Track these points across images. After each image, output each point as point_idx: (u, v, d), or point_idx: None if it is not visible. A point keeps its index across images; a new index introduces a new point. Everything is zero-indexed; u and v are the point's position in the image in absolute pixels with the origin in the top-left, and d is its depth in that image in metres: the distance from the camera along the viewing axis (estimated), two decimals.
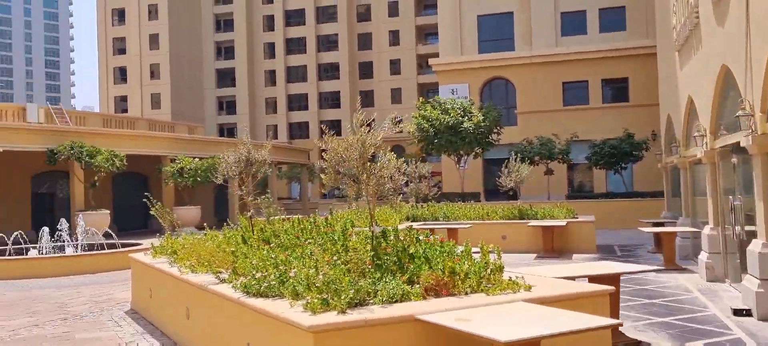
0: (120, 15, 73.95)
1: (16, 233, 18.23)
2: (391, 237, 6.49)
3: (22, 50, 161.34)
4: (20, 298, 12.53)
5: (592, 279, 7.45)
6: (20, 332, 9.28)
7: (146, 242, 19.67)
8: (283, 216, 10.82)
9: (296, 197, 58.79)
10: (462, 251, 6.14)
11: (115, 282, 14.33)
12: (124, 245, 18.56)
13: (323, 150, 7.51)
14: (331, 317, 4.86)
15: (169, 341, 8.31)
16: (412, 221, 18.10)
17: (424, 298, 5.52)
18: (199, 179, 31.18)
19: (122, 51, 73.71)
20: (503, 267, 6.15)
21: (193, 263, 8.21)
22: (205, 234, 9.71)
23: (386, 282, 5.48)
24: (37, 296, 12.61)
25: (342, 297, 5.06)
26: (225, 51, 78.10)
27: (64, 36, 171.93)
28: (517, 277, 5.92)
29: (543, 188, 29.89)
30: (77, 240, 18.49)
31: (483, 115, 28.30)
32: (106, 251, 17.34)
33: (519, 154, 21.33)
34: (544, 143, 28.67)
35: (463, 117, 28.16)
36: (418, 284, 5.72)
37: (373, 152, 6.81)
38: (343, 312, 4.98)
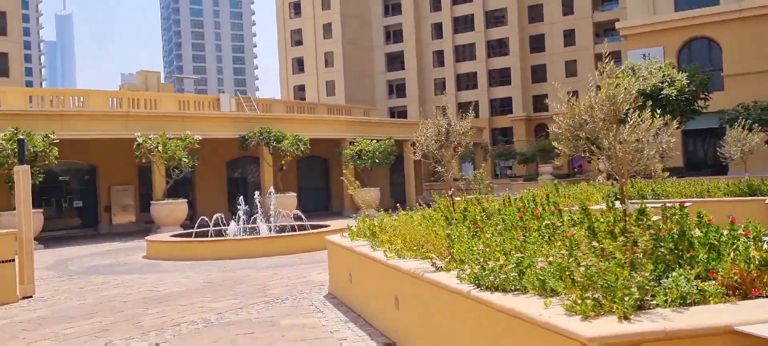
0: (296, 8, 77.72)
1: (216, 216, 19.23)
2: (659, 218, 5.09)
3: (213, 49, 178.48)
4: (224, 279, 12.81)
5: None
6: (227, 315, 9.18)
7: (334, 223, 19.76)
8: (486, 194, 9.75)
9: (468, 178, 57.71)
10: None
11: (309, 263, 14.27)
12: (312, 227, 18.73)
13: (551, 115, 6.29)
14: (613, 326, 3.61)
15: (375, 332, 7.60)
16: (615, 200, 16.11)
17: (727, 300, 4.09)
18: (377, 160, 31.25)
19: (299, 42, 77.50)
20: None
21: (399, 247, 7.39)
22: (408, 213, 8.91)
23: (676, 278, 4.11)
24: (238, 278, 12.81)
25: (625, 298, 3.79)
26: (393, 35, 78.93)
27: (247, 33, 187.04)
28: None
29: (762, 160, 25.78)
30: (270, 218, 19.04)
31: (688, 80, 24.91)
32: (298, 232, 17.56)
33: (744, 120, 18.23)
34: (766, 108, 24.57)
35: (662, 83, 25.02)
36: (713, 280, 4.30)
37: (626, 110, 5.44)
38: (627, 318, 3.72)
